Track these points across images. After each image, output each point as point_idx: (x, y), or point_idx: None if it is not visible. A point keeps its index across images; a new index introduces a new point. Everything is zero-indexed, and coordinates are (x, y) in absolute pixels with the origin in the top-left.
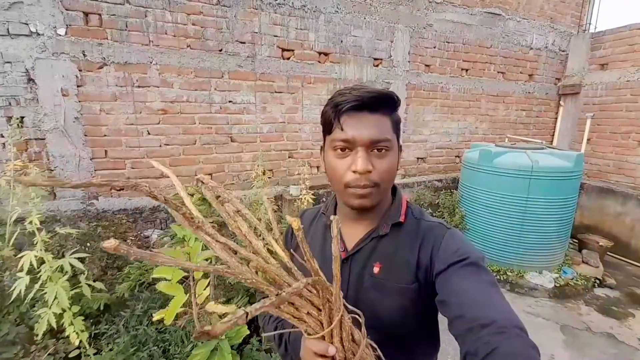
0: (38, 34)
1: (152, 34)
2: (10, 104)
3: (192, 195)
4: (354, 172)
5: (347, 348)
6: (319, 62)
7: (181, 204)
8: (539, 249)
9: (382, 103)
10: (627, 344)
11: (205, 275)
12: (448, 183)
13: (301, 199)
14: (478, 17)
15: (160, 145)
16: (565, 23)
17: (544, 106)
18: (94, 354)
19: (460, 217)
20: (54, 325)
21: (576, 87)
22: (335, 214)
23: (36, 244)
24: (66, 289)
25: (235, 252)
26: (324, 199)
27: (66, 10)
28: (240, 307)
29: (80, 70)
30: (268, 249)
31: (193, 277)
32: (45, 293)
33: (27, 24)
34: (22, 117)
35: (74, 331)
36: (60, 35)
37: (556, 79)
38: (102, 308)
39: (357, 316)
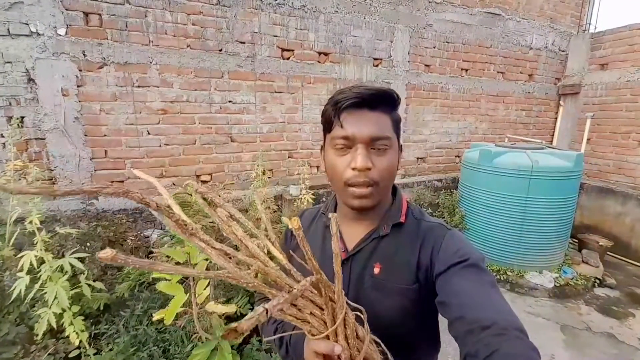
0: (38, 34)
1: (152, 34)
2: (10, 103)
3: (191, 194)
4: (354, 169)
5: (352, 345)
6: (319, 62)
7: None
8: (539, 248)
9: (382, 101)
10: (627, 343)
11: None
12: (448, 183)
13: (301, 198)
14: (478, 17)
15: (160, 145)
16: (565, 23)
17: (543, 106)
18: (94, 354)
19: (460, 217)
20: (54, 325)
21: (576, 87)
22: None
23: (36, 243)
24: (66, 289)
25: (231, 257)
26: (324, 199)
27: (66, 10)
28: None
29: (80, 70)
30: (267, 252)
31: (193, 277)
32: (45, 293)
33: (27, 24)
34: (22, 117)
35: (74, 331)
36: (60, 35)
37: (556, 79)
38: (102, 308)
39: (359, 313)
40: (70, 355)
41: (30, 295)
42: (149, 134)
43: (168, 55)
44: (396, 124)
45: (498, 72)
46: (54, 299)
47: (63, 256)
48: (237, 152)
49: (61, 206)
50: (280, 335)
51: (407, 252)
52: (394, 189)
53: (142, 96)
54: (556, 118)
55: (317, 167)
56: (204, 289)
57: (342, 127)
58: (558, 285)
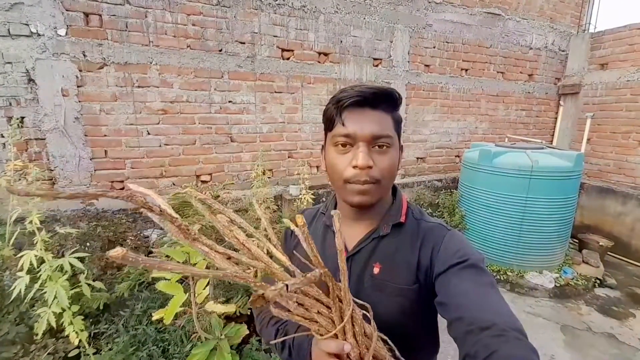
0: (38, 35)
1: (152, 34)
2: (10, 104)
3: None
4: (355, 167)
5: (360, 343)
6: (319, 62)
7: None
8: (539, 248)
9: (384, 100)
10: (627, 344)
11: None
12: (448, 183)
13: (301, 198)
14: (477, 17)
15: (160, 145)
16: (565, 23)
17: (543, 106)
18: (94, 354)
19: (460, 217)
20: (54, 324)
21: (576, 87)
22: None
23: (36, 243)
24: (66, 289)
25: (229, 258)
26: (324, 199)
27: (66, 10)
28: (239, 307)
29: (80, 71)
30: (269, 254)
31: (192, 277)
32: (45, 292)
33: (27, 25)
34: (23, 117)
35: (74, 330)
36: (60, 35)
37: (556, 78)
38: (101, 307)
39: (365, 311)
40: (70, 355)
41: (30, 295)
42: (149, 134)
43: (168, 55)
44: (397, 123)
45: (498, 72)
46: (54, 299)
47: (63, 256)
48: (237, 152)
49: (61, 206)
50: (283, 339)
51: (407, 252)
52: (394, 189)
53: (142, 96)
54: (556, 118)
55: (317, 167)
56: (204, 289)
57: (343, 125)
58: (558, 285)
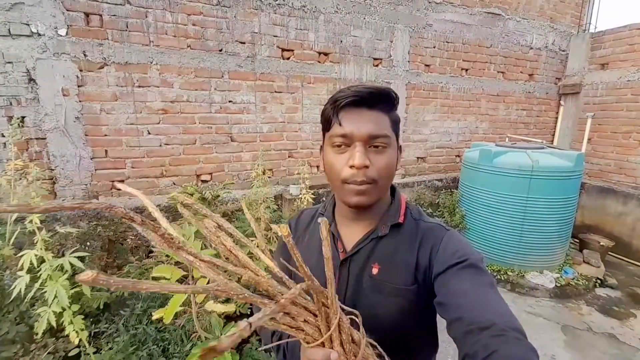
0: (39, 35)
1: (153, 34)
2: (11, 103)
3: (191, 194)
4: (351, 167)
5: (348, 350)
6: (319, 62)
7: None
8: (540, 248)
9: (380, 99)
10: (628, 344)
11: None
12: (448, 183)
13: (301, 198)
14: (478, 17)
15: (161, 145)
16: (565, 23)
17: (544, 106)
18: (94, 353)
19: (460, 216)
20: (54, 324)
21: (576, 86)
22: (333, 213)
23: (36, 243)
24: (66, 288)
25: (215, 266)
26: (324, 199)
27: (67, 10)
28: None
29: (81, 70)
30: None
31: (192, 276)
32: (45, 292)
33: (28, 25)
34: (23, 117)
35: (74, 330)
36: (61, 35)
37: (556, 78)
38: (101, 307)
39: (354, 317)
40: (70, 354)
41: (30, 295)
42: (149, 133)
43: (168, 55)
44: (395, 123)
45: (498, 71)
46: (54, 298)
47: (63, 255)
48: (237, 151)
49: None
50: (277, 343)
51: (406, 252)
52: (393, 190)
53: (143, 96)
54: (557, 118)
55: (317, 166)
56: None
57: (340, 125)
58: (559, 285)
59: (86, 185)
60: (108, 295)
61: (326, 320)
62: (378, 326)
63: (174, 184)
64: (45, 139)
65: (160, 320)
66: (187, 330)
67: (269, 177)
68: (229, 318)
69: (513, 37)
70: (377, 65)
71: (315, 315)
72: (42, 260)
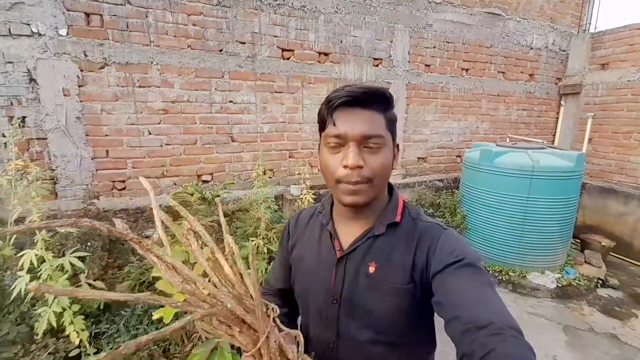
0: (40, 35)
1: (153, 34)
2: (12, 103)
3: (191, 194)
4: (345, 167)
5: None
6: (319, 62)
7: (124, 232)
8: (541, 249)
9: (375, 99)
10: (630, 344)
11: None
12: (449, 183)
13: (302, 198)
14: (478, 17)
15: (161, 145)
16: (565, 23)
17: (545, 106)
18: (94, 353)
19: (461, 217)
20: (54, 324)
21: (577, 86)
22: (331, 212)
23: (36, 243)
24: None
25: (179, 272)
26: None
27: (67, 10)
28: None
29: (81, 71)
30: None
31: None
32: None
33: (28, 25)
34: (24, 117)
35: (74, 330)
36: (61, 35)
37: (557, 78)
38: (102, 307)
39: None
40: (71, 355)
41: (31, 294)
42: (150, 133)
43: (169, 55)
44: (391, 122)
45: (499, 71)
46: (54, 298)
47: (63, 255)
48: (238, 151)
49: (62, 206)
50: None
51: (403, 251)
52: (391, 189)
53: (143, 96)
54: (557, 118)
55: (317, 167)
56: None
57: (334, 125)
58: (560, 285)
59: (87, 185)
60: None
61: (255, 337)
62: (375, 324)
63: (175, 184)
64: (46, 139)
65: (160, 320)
66: (188, 331)
67: (269, 177)
68: None
69: (513, 37)
70: (377, 66)
71: (251, 328)
72: (42, 260)
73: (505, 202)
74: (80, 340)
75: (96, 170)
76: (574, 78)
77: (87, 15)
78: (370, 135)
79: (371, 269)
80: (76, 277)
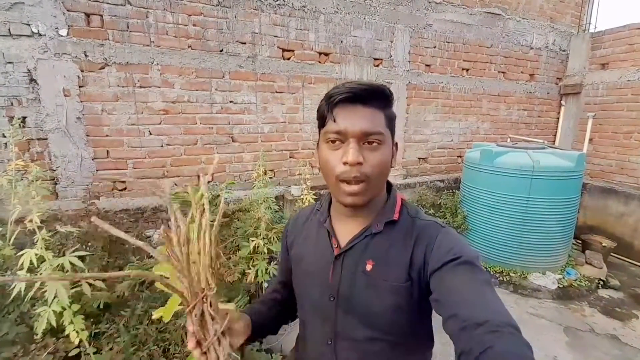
0: (40, 35)
1: (153, 34)
2: (12, 104)
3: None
4: (345, 163)
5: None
6: (319, 62)
7: None
8: (542, 249)
9: (375, 96)
10: (630, 345)
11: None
12: (450, 183)
13: (302, 199)
14: (478, 17)
15: (162, 145)
16: (565, 23)
17: (545, 106)
18: (94, 353)
19: (462, 217)
20: (54, 323)
21: (577, 86)
22: (329, 210)
23: (37, 242)
24: (66, 287)
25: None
26: None
27: (68, 11)
28: (240, 307)
29: (82, 71)
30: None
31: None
32: (45, 291)
33: (28, 25)
34: (24, 117)
35: (74, 330)
36: (62, 36)
37: (557, 78)
38: (102, 307)
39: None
40: (70, 354)
41: (30, 294)
42: (150, 134)
43: (169, 55)
44: (390, 120)
45: (499, 71)
46: (54, 298)
47: (64, 255)
48: (239, 152)
49: (62, 206)
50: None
51: (400, 249)
52: (390, 187)
53: (144, 96)
54: (558, 118)
55: (319, 167)
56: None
57: (334, 121)
58: (561, 286)
59: (87, 185)
60: (109, 295)
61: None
62: (373, 321)
63: (175, 184)
64: (46, 139)
65: (161, 320)
66: (188, 332)
67: (270, 177)
68: None
69: (513, 37)
70: (377, 66)
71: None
72: (42, 260)
73: (505, 202)
74: (80, 340)
75: (97, 170)
76: (574, 78)
77: (88, 15)
78: (371, 132)
79: (368, 267)
80: None
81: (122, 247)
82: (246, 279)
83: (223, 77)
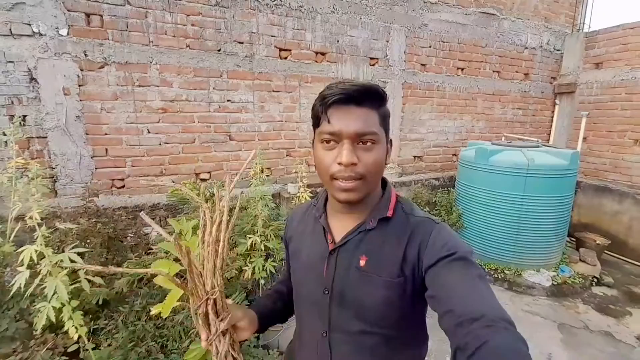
0: (40, 34)
1: (152, 34)
2: (12, 102)
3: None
4: (339, 164)
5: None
6: (316, 61)
7: None
8: (536, 247)
9: (368, 96)
10: (624, 342)
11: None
12: (445, 181)
13: (299, 196)
14: (473, 17)
15: (160, 144)
16: (560, 22)
17: (540, 105)
18: (93, 349)
19: (457, 215)
20: (53, 319)
21: (571, 86)
22: (325, 207)
23: (36, 239)
24: (65, 284)
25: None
26: None
27: (68, 11)
28: (237, 303)
29: (81, 70)
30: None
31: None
32: (45, 288)
33: (29, 25)
34: (25, 116)
35: (73, 326)
36: (62, 35)
37: (552, 77)
38: (101, 303)
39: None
40: (69, 350)
41: (30, 291)
42: (149, 132)
43: (168, 55)
44: (384, 118)
45: (494, 71)
46: (54, 294)
47: (63, 251)
48: (236, 150)
49: (62, 203)
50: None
51: (394, 245)
52: (385, 184)
53: (143, 95)
54: (553, 117)
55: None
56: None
57: (329, 122)
58: (556, 283)
59: (86, 183)
60: (107, 292)
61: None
62: (366, 316)
63: (173, 182)
64: (46, 137)
65: (159, 316)
66: (186, 327)
67: (267, 175)
68: None
69: (508, 36)
70: (373, 65)
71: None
72: (42, 256)
73: (500, 200)
74: (79, 336)
75: (96, 168)
76: (568, 77)
77: (87, 15)
78: (365, 133)
79: (362, 262)
80: (75, 273)
81: (120, 244)
82: (243, 276)
83: (221, 76)
